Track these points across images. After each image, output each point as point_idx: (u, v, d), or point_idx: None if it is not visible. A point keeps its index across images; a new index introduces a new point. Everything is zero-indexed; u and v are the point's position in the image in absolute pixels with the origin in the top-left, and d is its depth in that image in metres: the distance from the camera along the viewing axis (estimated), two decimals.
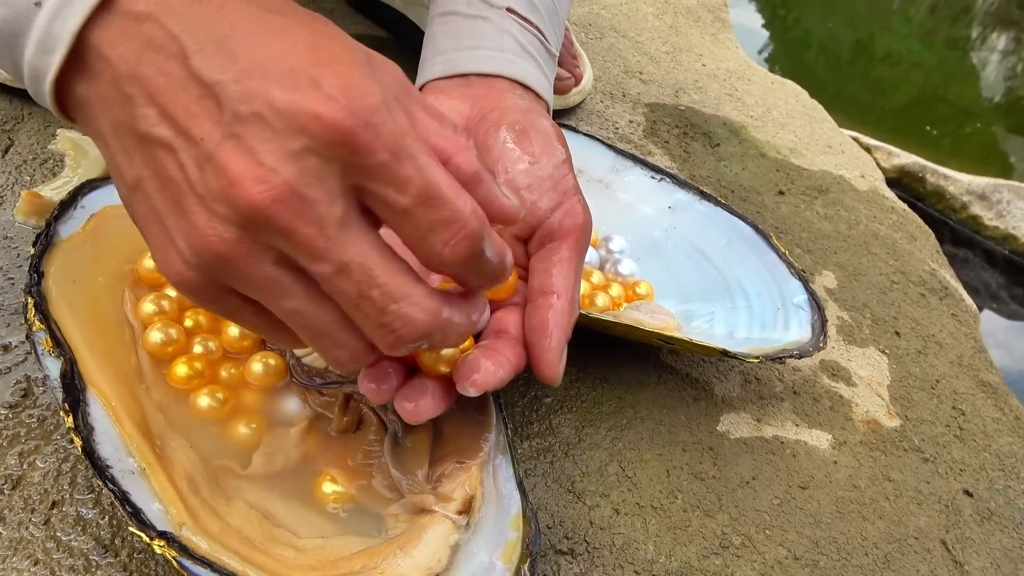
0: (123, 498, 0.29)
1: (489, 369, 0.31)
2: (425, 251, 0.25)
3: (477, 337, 0.36)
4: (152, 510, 0.29)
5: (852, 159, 0.78)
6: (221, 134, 0.22)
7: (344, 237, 0.23)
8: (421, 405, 0.31)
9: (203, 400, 0.35)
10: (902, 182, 1.11)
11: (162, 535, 0.28)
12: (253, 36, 0.23)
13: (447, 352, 0.32)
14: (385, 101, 0.23)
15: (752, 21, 2.10)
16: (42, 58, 0.25)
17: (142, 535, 0.28)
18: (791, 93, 0.87)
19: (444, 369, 0.32)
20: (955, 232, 1.09)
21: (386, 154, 0.23)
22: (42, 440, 0.36)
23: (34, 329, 0.33)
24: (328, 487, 0.34)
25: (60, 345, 0.33)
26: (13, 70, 0.26)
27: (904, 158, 1.10)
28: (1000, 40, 2.38)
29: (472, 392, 0.31)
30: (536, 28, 0.42)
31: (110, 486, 0.29)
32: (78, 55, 0.24)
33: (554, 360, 0.32)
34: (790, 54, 2.08)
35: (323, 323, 0.25)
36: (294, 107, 0.22)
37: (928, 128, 1.67)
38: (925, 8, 2.53)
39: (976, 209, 1.06)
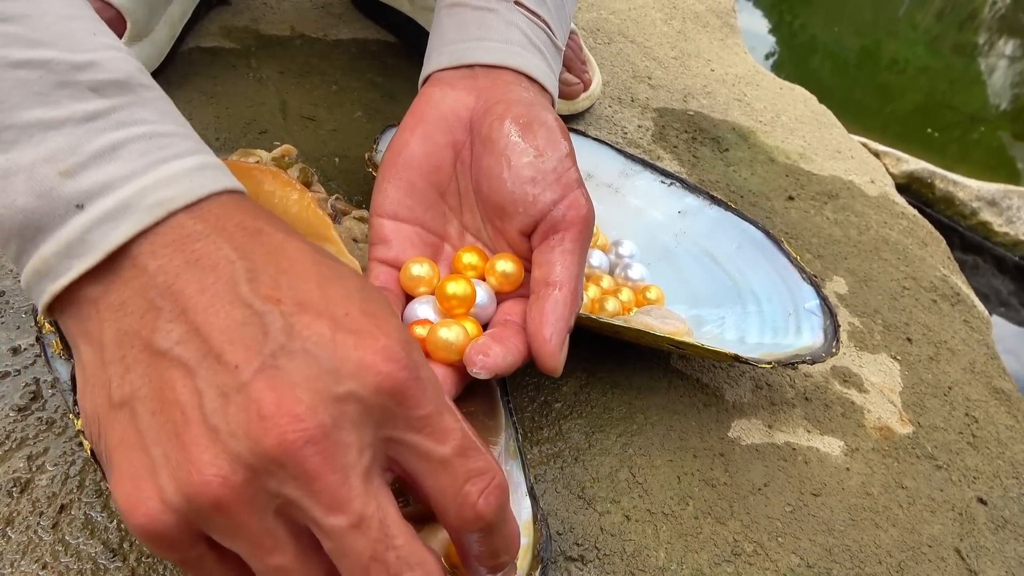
0: None
1: (498, 353, 0.32)
2: (459, 503, 0.23)
3: (485, 327, 0.36)
4: None
5: (861, 164, 0.78)
6: (260, 364, 0.21)
7: (365, 489, 0.22)
8: None
9: None
10: (911, 188, 1.10)
11: None
12: (310, 275, 0.23)
13: (457, 339, 0.33)
14: (425, 360, 0.24)
15: (758, 26, 2.10)
16: (62, 261, 0.23)
17: None
18: (800, 98, 0.87)
19: (454, 357, 0.33)
20: (964, 238, 1.08)
21: (431, 407, 0.23)
22: (51, 443, 0.36)
23: (44, 331, 0.33)
24: None
25: (70, 348, 0.32)
26: (3, 246, 0.24)
27: (913, 164, 1.10)
28: (1007, 46, 2.38)
29: (481, 374, 0.32)
30: (543, 22, 0.42)
31: None
32: (107, 259, 0.23)
33: (554, 350, 0.32)
34: (796, 60, 2.07)
35: None
36: (347, 350, 0.21)
37: (930, 131, 1.66)
38: (932, 14, 2.53)
39: (986, 215, 1.05)
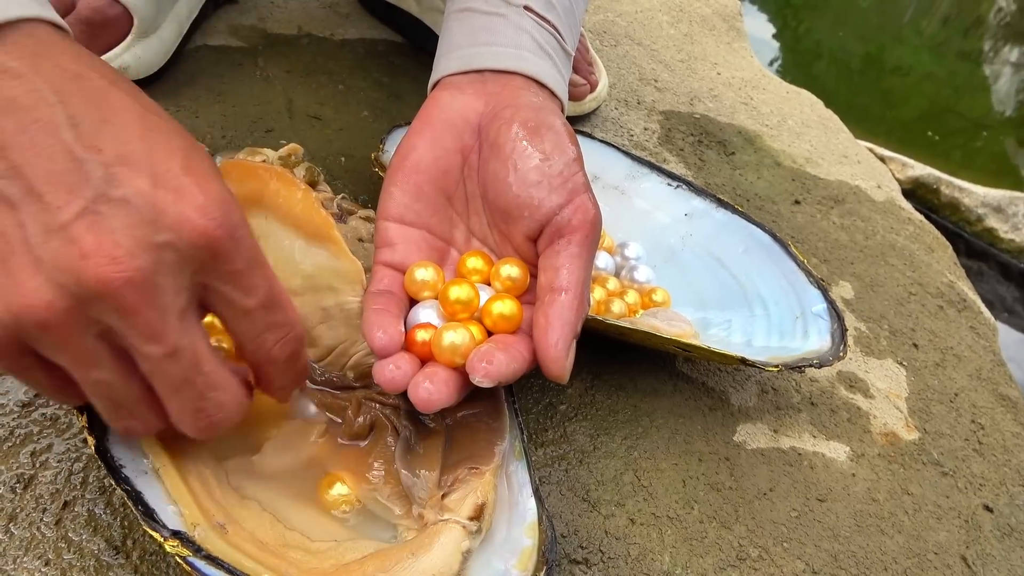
0: (136, 498, 0.28)
1: (502, 361, 0.31)
2: (256, 347, 0.28)
3: (490, 333, 0.36)
4: (166, 511, 0.29)
5: (868, 169, 0.78)
6: (80, 208, 0.23)
7: (180, 325, 0.25)
8: (434, 393, 0.31)
9: None
10: (916, 194, 1.10)
11: (175, 534, 0.27)
12: (133, 127, 0.24)
13: (462, 343, 0.32)
14: (244, 219, 0.26)
15: (763, 31, 2.09)
16: None
17: (155, 535, 0.27)
18: (806, 102, 0.87)
19: (459, 361, 0.32)
20: (970, 244, 1.08)
21: (243, 263, 0.26)
22: (55, 440, 0.36)
23: None
24: (335, 490, 0.34)
25: None
26: None
27: (919, 169, 1.09)
28: (1012, 53, 2.37)
29: (484, 383, 0.31)
30: (553, 27, 0.42)
31: (124, 486, 0.29)
32: None
33: (560, 356, 0.32)
34: (801, 64, 2.07)
35: (125, 396, 0.26)
36: (166, 205, 0.24)
37: (931, 134, 1.66)
38: (937, 20, 2.53)
39: (991, 222, 1.05)
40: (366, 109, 0.62)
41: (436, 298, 0.36)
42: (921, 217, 0.74)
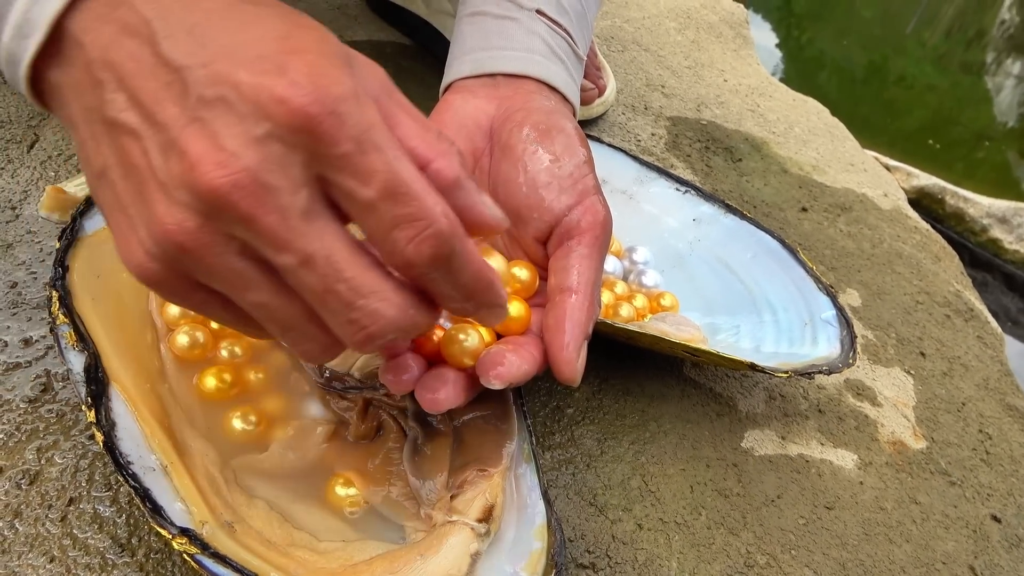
0: (144, 495, 0.28)
1: (513, 362, 0.31)
2: (388, 248, 0.24)
3: (498, 335, 0.36)
4: (173, 508, 0.28)
5: (875, 178, 0.78)
6: (186, 119, 0.22)
7: (308, 228, 0.23)
8: (441, 394, 0.31)
9: (237, 423, 0.35)
10: (921, 203, 1.10)
11: (183, 532, 0.27)
12: (225, 23, 0.23)
13: (472, 345, 0.32)
14: (356, 93, 0.23)
15: (767, 40, 2.10)
16: (19, 43, 0.25)
17: (163, 531, 0.27)
18: (812, 110, 0.87)
19: (468, 362, 0.32)
20: (974, 255, 1.08)
21: (351, 144, 0.22)
22: (61, 436, 0.36)
23: (58, 322, 0.33)
24: (342, 490, 0.34)
25: (84, 339, 0.32)
26: None
27: (924, 179, 1.09)
28: (1015, 66, 2.38)
29: (495, 384, 0.31)
30: (565, 31, 0.41)
31: (131, 482, 0.28)
32: (55, 41, 0.24)
33: (571, 358, 0.32)
34: (804, 74, 2.08)
35: (290, 316, 0.24)
36: (259, 91, 0.22)
37: (932, 142, 1.66)
38: (940, 32, 2.54)
39: (996, 232, 1.05)
40: None
41: None
42: (928, 226, 0.74)
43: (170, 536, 0.27)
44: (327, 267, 0.23)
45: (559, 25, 0.41)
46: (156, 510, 0.28)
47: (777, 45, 2.15)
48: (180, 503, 0.29)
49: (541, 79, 0.39)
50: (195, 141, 0.22)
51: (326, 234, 0.23)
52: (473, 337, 0.32)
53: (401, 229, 0.23)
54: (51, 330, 0.34)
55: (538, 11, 0.41)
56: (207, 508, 0.30)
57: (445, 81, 0.41)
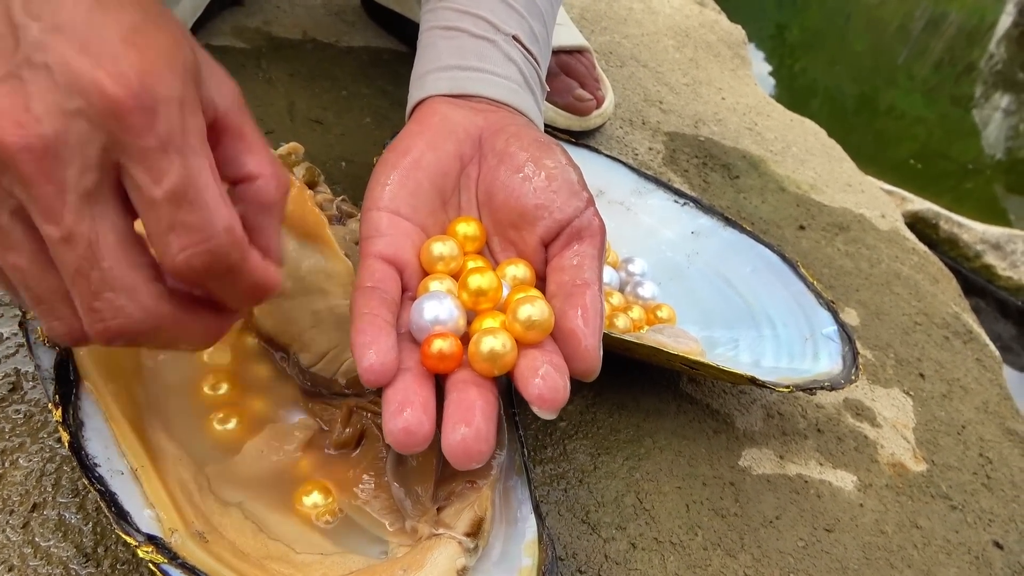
0: (110, 499, 0.26)
1: (560, 387, 0.29)
2: (160, 250, 0.23)
3: None
4: (142, 515, 0.27)
5: (872, 199, 0.77)
6: (6, 72, 0.22)
7: (83, 208, 0.23)
8: (472, 442, 0.28)
9: (216, 424, 0.33)
10: (915, 228, 1.10)
11: (150, 539, 0.25)
12: (83, 2, 0.23)
13: (504, 350, 0.29)
14: (181, 101, 0.23)
15: (761, 68, 2.12)
16: None
17: (128, 539, 0.25)
18: (810, 131, 0.87)
19: (496, 372, 0.30)
20: (968, 281, 1.07)
21: (154, 140, 0.22)
22: (27, 438, 0.34)
23: (28, 317, 0.31)
24: (310, 499, 0.32)
25: None
26: None
27: (918, 204, 1.09)
28: (1003, 100, 2.41)
29: (548, 415, 0.29)
30: (536, 60, 0.41)
31: (97, 486, 0.27)
32: None
33: (593, 347, 0.30)
34: (797, 102, 2.09)
35: (44, 289, 0.24)
36: (82, 70, 0.22)
37: (919, 166, 1.66)
38: (929, 65, 2.57)
39: (990, 258, 1.04)
40: (368, 116, 0.61)
41: (452, 277, 0.34)
42: (925, 248, 0.73)
43: (136, 544, 0.25)
44: (86, 250, 0.23)
45: (531, 53, 0.41)
46: (122, 516, 0.26)
47: (771, 73, 2.17)
48: (149, 509, 0.28)
49: (518, 109, 0.39)
50: (5, 97, 0.22)
51: (101, 220, 0.23)
52: (505, 343, 0.30)
53: (177, 235, 0.23)
54: (21, 324, 0.32)
55: (515, 37, 0.40)
56: (178, 516, 0.28)
57: (419, 94, 0.40)
